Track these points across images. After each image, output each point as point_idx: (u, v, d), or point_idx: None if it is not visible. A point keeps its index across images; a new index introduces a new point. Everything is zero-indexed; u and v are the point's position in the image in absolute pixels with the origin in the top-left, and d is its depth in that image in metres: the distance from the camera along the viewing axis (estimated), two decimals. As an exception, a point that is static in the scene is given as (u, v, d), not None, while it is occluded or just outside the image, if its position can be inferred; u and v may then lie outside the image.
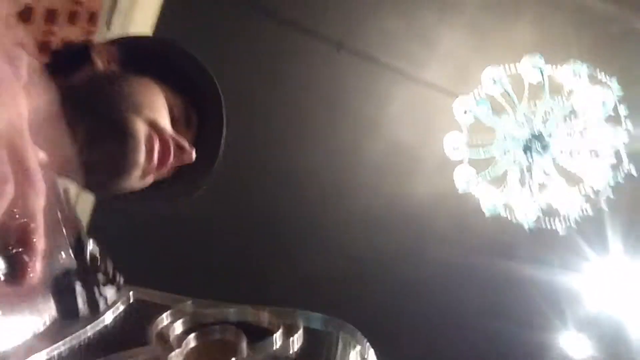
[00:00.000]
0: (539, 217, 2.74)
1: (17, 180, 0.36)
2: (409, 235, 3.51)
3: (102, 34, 2.89)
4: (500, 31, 3.09)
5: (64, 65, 0.76)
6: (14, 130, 0.37)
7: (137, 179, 0.72)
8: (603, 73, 2.39)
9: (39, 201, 0.38)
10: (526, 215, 2.74)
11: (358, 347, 0.48)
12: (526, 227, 2.74)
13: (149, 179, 0.74)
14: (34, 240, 0.35)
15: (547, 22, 2.97)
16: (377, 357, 0.49)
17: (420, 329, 3.61)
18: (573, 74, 2.48)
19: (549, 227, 2.72)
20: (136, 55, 0.80)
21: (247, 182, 3.15)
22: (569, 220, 2.67)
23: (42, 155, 0.37)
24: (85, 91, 0.70)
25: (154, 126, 0.71)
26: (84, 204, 3.24)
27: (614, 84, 2.36)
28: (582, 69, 2.45)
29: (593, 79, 2.43)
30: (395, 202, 3.55)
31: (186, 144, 0.75)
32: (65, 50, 0.80)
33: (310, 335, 0.46)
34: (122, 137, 0.67)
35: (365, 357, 0.48)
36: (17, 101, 0.39)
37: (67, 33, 2.58)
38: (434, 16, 3.13)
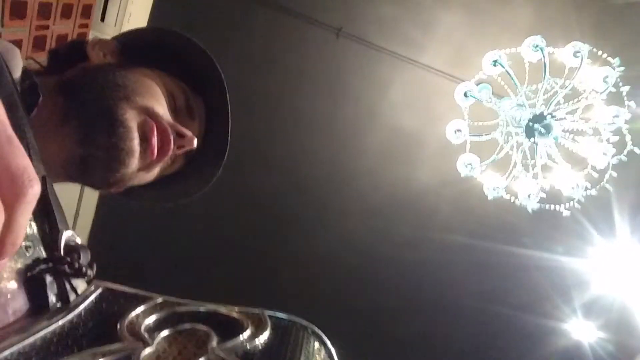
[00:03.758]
0: (542, 199, 2.72)
1: None
2: (411, 220, 3.51)
3: (96, 27, 2.88)
4: (499, 13, 3.05)
5: (60, 62, 0.75)
6: None
7: (139, 172, 0.70)
8: (604, 51, 2.36)
9: None
10: (529, 198, 2.73)
11: (321, 348, 0.50)
12: (529, 209, 2.73)
13: (153, 172, 0.73)
14: None
15: (547, 2, 2.93)
16: (339, 355, 0.50)
17: (423, 314, 3.62)
18: (574, 54, 2.44)
19: (552, 209, 2.71)
20: (136, 46, 0.78)
21: (246, 170, 3.14)
22: (572, 202, 2.65)
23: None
24: (77, 84, 0.69)
25: (150, 114, 0.69)
26: (88, 202, 3.26)
27: (615, 62, 2.32)
28: (583, 48, 2.41)
29: (594, 57, 2.39)
30: (397, 187, 3.54)
31: (186, 131, 0.72)
32: (61, 48, 0.79)
33: (276, 334, 0.47)
34: (112, 126, 0.65)
35: (329, 355, 0.49)
36: None
37: (61, 27, 2.58)
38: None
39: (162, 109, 0.71)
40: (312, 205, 3.59)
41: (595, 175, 2.58)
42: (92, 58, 0.74)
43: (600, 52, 2.35)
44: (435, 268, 3.53)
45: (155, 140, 0.68)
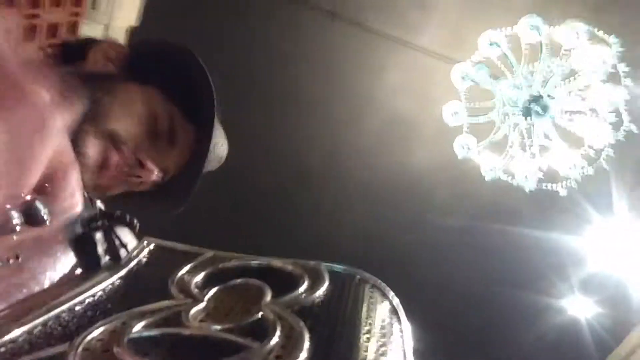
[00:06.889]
0: (540, 180, 2.73)
1: None
2: (409, 204, 3.51)
3: (88, 16, 2.82)
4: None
5: (58, 59, 0.73)
6: None
7: (99, 185, 0.68)
8: (602, 30, 2.35)
9: None
10: (527, 178, 2.74)
11: (384, 300, 0.48)
12: (527, 190, 2.74)
13: (117, 189, 0.71)
14: None
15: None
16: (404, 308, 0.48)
17: (422, 296, 3.63)
18: (572, 33, 2.43)
19: (550, 189, 2.72)
20: (142, 58, 0.76)
21: (242, 158, 3.10)
22: (570, 181, 2.66)
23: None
24: None
25: (112, 140, 0.67)
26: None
27: (613, 41, 2.32)
28: (581, 27, 2.41)
29: (592, 36, 2.39)
30: (395, 171, 3.54)
31: (148, 163, 0.70)
32: (71, 42, 0.77)
33: (335, 287, 0.45)
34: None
35: (393, 308, 0.47)
36: None
37: (52, 16, 2.52)
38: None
39: (129, 134, 0.69)
40: (308, 190, 3.57)
41: (592, 154, 2.59)
42: (89, 61, 0.72)
43: (598, 31, 2.34)
44: (433, 250, 3.54)
45: (110, 170, 0.67)
